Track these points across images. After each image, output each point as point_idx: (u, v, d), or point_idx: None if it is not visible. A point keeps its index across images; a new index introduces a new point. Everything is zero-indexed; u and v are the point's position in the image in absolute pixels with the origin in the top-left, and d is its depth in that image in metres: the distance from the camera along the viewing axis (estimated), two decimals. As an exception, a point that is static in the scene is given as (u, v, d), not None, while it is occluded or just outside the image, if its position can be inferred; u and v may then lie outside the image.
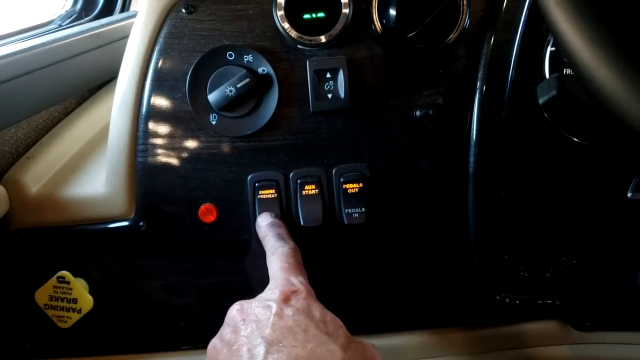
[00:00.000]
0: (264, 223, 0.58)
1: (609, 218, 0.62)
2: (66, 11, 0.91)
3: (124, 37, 0.79)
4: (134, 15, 0.86)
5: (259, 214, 0.60)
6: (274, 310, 0.45)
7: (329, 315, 0.47)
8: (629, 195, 0.61)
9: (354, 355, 0.44)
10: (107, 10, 0.94)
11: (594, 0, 0.26)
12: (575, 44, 0.26)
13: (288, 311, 0.45)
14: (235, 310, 0.48)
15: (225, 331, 0.48)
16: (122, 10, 0.96)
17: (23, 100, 0.64)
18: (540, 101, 0.49)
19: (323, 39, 0.57)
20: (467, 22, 0.57)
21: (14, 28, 0.81)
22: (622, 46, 0.24)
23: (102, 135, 0.77)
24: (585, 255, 0.62)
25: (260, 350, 0.42)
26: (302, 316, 0.45)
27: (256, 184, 0.60)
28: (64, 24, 0.86)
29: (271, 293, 0.47)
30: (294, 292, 0.47)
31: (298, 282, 0.49)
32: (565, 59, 0.29)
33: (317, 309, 0.46)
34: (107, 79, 0.84)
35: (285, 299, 0.46)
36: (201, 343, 0.65)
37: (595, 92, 0.26)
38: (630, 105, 0.24)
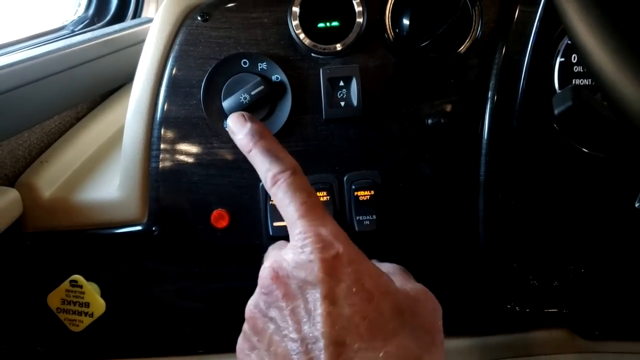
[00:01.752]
0: (241, 133, 0.48)
1: (617, 227, 0.63)
2: (78, 17, 0.91)
3: (136, 43, 0.80)
4: (146, 22, 0.87)
5: (272, 219, 0.60)
6: (322, 292, 0.37)
7: (382, 283, 0.40)
8: (636, 205, 0.61)
9: (414, 332, 0.39)
10: (119, 16, 0.95)
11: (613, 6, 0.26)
12: (595, 53, 0.26)
13: (340, 292, 0.37)
14: (270, 278, 0.41)
15: (263, 303, 0.41)
16: (134, 16, 0.97)
17: (36, 106, 0.65)
18: (556, 112, 0.49)
19: (337, 47, 0.58)
20: (479, 32, 0.58)
21: (26, 33, 0.82)
22: None
23: (114, 139, 0.78)
24: (594, 264, 0.63)
25: (322, 354, 0.35)
26: (357, 298, 0.37)
27: (268, 190, 0.60)
28: (76, 29, 0.87)
29: (308, 261, 0.39)
30: (334, 257, 0.39)
31: (332, 236, 0.40)
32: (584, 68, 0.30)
33: (369, 280, 0.39)
34: (119, 85, 0.85)
35: (330, 271, 0.38)
36: (213, 348, 0.65)
37: (615, 101, 0.26)
38: None
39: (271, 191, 0.45)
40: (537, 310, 0.64)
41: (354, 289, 0.38)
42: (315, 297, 0.38)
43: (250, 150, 0.47)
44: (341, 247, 0.40)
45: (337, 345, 0.35)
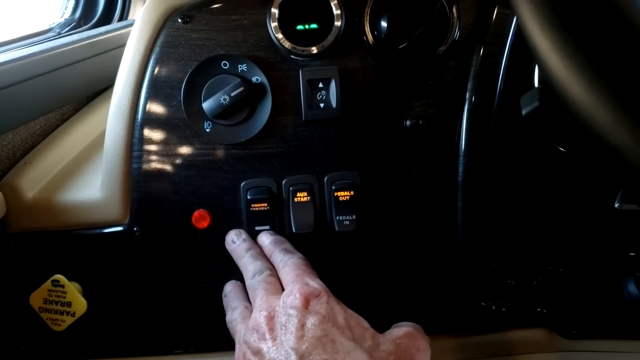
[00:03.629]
0: (268, 241, 0.59)
1: (596, 227, 0.63)
2: (65, 19, 0.92)
3: (122, 45, 0.80)
4: (132, 24, 0.88)
5: (252, 223, 0.61)
6: (298, 318, 0.46)
7: (353, 318, 0.48)
8: (616, 205, 0.62)
9: (383, 355, 0.46)
10: (105, 19, 0.96)
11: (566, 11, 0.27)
12: (548, 55, 0.27)
13: (313, 319, 0.46)
14: (262, 317, 0.49)
15: (252, 338, 0.49)
16: (121, 18, 0.98)
17: (21, 107, 0.65)
18: (523, 112, 0.50)
19: (315, 49, 0.58)
20: (457, 34, 0.59)
21: (14, 35, 0.82)
22: (593, 59, 0.25)
23: (98, 141, 0.78)
24: (572, 264, 0.63)
25: None
26: (329, 324, 0.46)
27: (249, 191, 0.61)
28: (62, 32, 0.87)
29: (293, 298, 0.48)
30: (314, 295, 0.48)
31: (316, 283, 0.50)
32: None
33: (340, 313, 0.48)
34: (104, 86, 0.86)
35: (306, 303, 0.47)
36: (193, 347, 0.66)
37: (566, 102, 0.27)
38: (609, 126, 0.25)
39: (281, 272, 0.55)
40: (516, 310, 0.65)
41: (326, 318, 0.47)
42: (293, 322, 0.46)
43: (273, 252, 0.58)
44: (323, 290, 0.49)
45: (302, 357, 0.44)
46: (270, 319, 0.49)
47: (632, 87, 0.23)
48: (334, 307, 0.48)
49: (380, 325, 0.65)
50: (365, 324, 0.49)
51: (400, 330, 0.52)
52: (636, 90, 0.24)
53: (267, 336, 0.48)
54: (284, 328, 0.47)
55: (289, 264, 0.54)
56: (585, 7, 0.26)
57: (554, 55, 0.26)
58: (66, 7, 0.93)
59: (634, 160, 0.23)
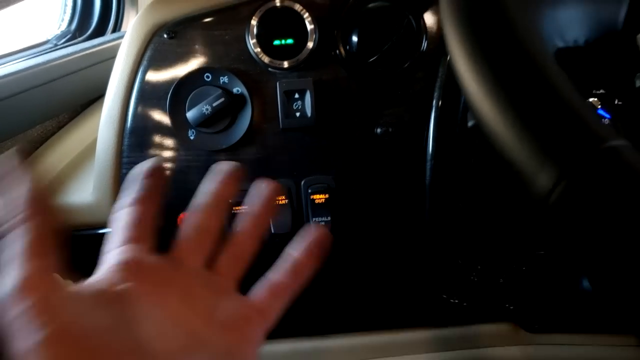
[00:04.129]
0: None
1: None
2: (61, 31, 0.96)
3: (114, 56, 0.84)
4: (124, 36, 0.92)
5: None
6: None
7: None
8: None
9: None
10: (100, 31, 1.00)
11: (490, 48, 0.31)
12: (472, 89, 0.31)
13: None
14: None
15: None
16: (114, 30, 1.02)
17: (20, 116, 0.70)
18: (469, 124, 0.54)
19: (291, 63, 0.62)
20: (424, 47, 0.63)
21: (15, 46, 0.87)
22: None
23: (91, 147, 0.83)
24: (535, 262, 0.68)
25: None
26: None
27: (231, 194, 0.65)
28: (59, 43, 0.92)
29: None
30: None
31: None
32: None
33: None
34: (98, 95, 0.90)
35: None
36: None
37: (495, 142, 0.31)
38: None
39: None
40: (482, 305, 0.69)
41: None
42: None
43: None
44: None
45: None
46: None
47: (531, 110, 0.27)
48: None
49: (354, 319, 0.70)
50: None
51: None
52: (534, 113, 0.28)
53: None
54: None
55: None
56: (497, 43, 0.30)
57: (471, 79, 0.30)
58: (62, 20, 0.98)
59: (529, 177, 0.27)
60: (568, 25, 0.33)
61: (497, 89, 0.28)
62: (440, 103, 0.64)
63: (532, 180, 0.26)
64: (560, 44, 0.33)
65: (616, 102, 0.44)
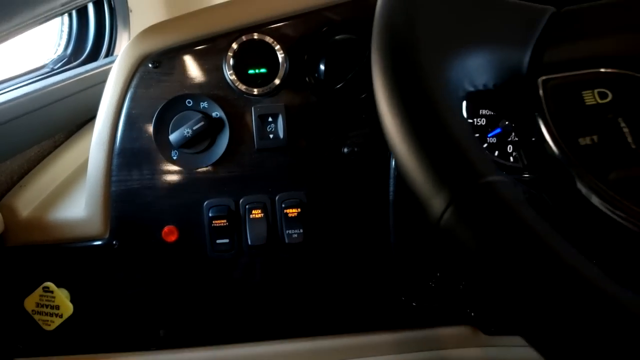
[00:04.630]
0: None
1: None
2: (58, 55, 1.03)
3: (106, 80, 0.91)
4: (116, 61, 0.99)
5: (214, 237, 0.71)
6: None
7: None
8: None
9: None
10: (93, 55, 1.07)
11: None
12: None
13: None
14: None
15: None
16: (107, 54, 1.09)
17: (18, 138, 0.76)
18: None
19: (264, 90, 0.69)
20: (385, 75, 0.69)
21: (14, 71, 0.93)
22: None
23: (84, 166, 0.88)
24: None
25: None
26: None
27: (211, 209, 0.71)
28: (55, 67, 0.98)
29: None
30: None
31: None
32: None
33: None
34: (91, 116, 0.96)
35: None
36: (167, 344, 0.76)
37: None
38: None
39: None
40: (440, 309, 0.75)
41: None
42: None
43: None
44: None
45: None
46: None
47: (429, 147, 0.33)
48: None
49: (325, 323, 0.76)
50: None
51: None
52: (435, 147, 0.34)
53: None
54: None
55: None
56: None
57: (387, 119, 0.36)
58: (59, 45, 1.04)
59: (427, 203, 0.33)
60: (477, 71, 0.39)
61: (404, 129, 0.34)
62: (401, 125, 0.70)
63: (429, 205, 0.32)
64: (471, 88, 0.39)
65: (520, 137, 0.51)
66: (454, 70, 0.37)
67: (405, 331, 0.77)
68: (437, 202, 0.31)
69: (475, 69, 0.39)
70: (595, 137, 0.37)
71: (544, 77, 0.39)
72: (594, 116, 0.37)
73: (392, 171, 0.71)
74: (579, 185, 0.37)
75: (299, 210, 0.71)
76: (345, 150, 0.71)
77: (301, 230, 0.71)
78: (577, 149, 0.37)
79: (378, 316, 0.76)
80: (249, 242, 0.71)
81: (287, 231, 0.71)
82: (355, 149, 0.71)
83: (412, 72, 0.35)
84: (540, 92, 0.39)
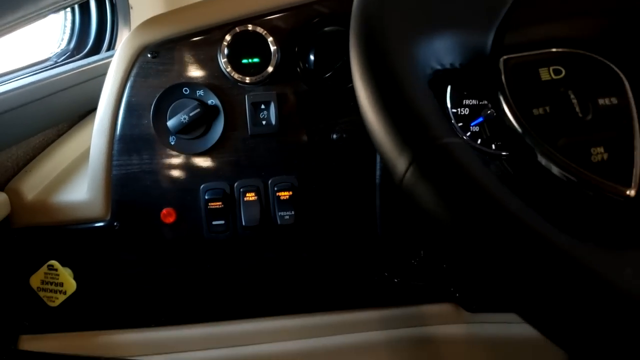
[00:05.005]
0: None
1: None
2: (61, 49, 1.07)
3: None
4: (117, 54, 1.02)
5: (210, 218, 0.75)
6: None
7: None
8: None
9: None
10: (95, 49, 1.10)
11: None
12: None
13: None
14: None
15: None
16: (109, 48, 1.13)
17: (23, 126, 0.80)
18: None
19: (257, 78, 0.73)
20: (372, 64, 0.73)
21: (19, 64, 0.97)
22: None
23: (86, 153, 0.92)
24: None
25: None
26: None
27: (207, 192, 0.75)
28: (59, 60, 1.02)
29: None
30: None
31: None
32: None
33: None
34: (93, 107, 0.99)
35: None
36: (166, 321, 0.80)
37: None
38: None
39: None
40: (423, 287, 0.79)
41: None
42: None
43: None
44: None
45: None
46: None
47: (393, 112, 0.37)
48: None
49: (315, 300, 0.79)
50: None
51: None
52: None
53: None
54: None
55: None
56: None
57: (360, 91, 0.40)
58: (62, 39, 1.08)
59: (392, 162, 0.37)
60: (444, 52, 0.43)
61: (373, 99, 0.38)
62: (387, 112, 0.74)
63: (393, 166, 0.36)
64: (438, 67, 0.43)
65: (488, 112, 0.55)
66: (422, 51, 0.41)
67: (390, 308, 0.81)
68: (400, 163, 0.35)
69: (442, 50, 0.42)
70: (547, 108, 0.41)
71: (505, 57, 0.43)
72: (548, 90, 0.41)
73: (378, 155, 0.75)
74: (538, 157, 0.40)
75: (291, 193, 0.75)
76: (334, 136, 0.75)
77: (292, 212, 0.75)
78: (532, 119, 0.41)
79: (364, 294, 0.80)
80: (243, 223, 0.75)
81: (279, 213, 0.75)
82: (344, 135, 0.75)
83: (380, 53, 0.39)
84: (502, 70, 0.43)
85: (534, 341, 0.80)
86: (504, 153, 0.63)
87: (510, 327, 0.80)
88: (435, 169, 0.33)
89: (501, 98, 0.42)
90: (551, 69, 0.42)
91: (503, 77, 0.43)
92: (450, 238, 0.33)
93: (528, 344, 0.80)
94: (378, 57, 0.39)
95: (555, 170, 0.40)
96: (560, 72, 0.42)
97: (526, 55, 0.43)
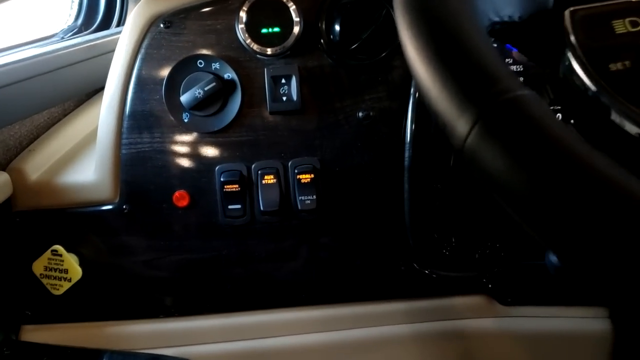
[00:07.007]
0: None
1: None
2: (68, 26, 1.02)
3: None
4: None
5: (226, 202, 0.70)
6: None
7: None
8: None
9: None
10: (104, 25, 1.06)
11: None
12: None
13: None
14: None
15: None
16: (118, 24, 1.08)
17: (26, 101, 0.75)
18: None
19: (278, 50, 0.67)
20: (402, 36, 0.68)
21: (24, 39, 0.92)
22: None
23: (94, 132, 0.87)
24: (508, 239, 0.72)
25: None
26: None
27: (222, 174, 0.70)
28: (66, 37, 0.97)
29: None
30: None
31: None
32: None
33: None
34: (102, 85, 0.95)
35: None
36: (176, 312, 0.75)
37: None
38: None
39: None
40: (458, 278, 0.73)
41: None
42: None
43: None
44: None
45: None
46: None
47: (452, 66, 0.32)
48: None
49: (338, 291, 0.74)
50: None
51: None
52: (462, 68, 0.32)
53: None
54: None
55: None
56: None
57: (409, 45, 0.35)
58: (70, 15, 1.03)
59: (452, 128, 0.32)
60: (504, 3, 0.38)
61: (426, 51, 0.32)
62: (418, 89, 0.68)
63: (453, 127, 0.31)
64: (496, 18, 0.37)
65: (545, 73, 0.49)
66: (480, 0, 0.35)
67: (418, 300, 0.75)
68: (461, 124, 0.30)
69: (502, 0, 0.37)
70: (627, 62, 0.35)
71: (571, 9, 0.37)
72: (626, 43, 0.36)
73: (408, 136, 0.69)
74: (613, 115, 0.35)
75: (312, 176, 0.70)
76: (360, 114, 0.70)
77: (314, 197, 0.70)
78: (609, 75, 0.35)
79: (390, 284, 0.74)
80: (261, 208, 0.70)
81: (299, 197, 0.70)
82: (371, 113, 0.70)
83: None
84: (568, 23, 0.37)
85: (573, 337, 0.74)
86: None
87: (548, 321, 0.75)
88: (507, 126, 0.28)
89: (569, 54, 0.37)
90: (627, 20, 0.36)
91: (570, 31, 0.37)
92: (524, 208, 0.28)
93: (567, 340, 0.75)
94: (433, 4, 0.33)
95: (632, 129, 0.34)
96: (638, 24, 0.36)
97: (596, 6, 0.37)
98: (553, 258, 0.66)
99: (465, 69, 0.30)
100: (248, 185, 0.70)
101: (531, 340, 0.75)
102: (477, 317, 0.75)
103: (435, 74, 0.31)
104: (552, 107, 0.58)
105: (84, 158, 0.79)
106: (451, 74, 0.31)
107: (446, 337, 0.76)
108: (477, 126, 0.29)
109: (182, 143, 0.69)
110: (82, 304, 0.75)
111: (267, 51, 0.67)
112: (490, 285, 0.74)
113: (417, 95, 0.69)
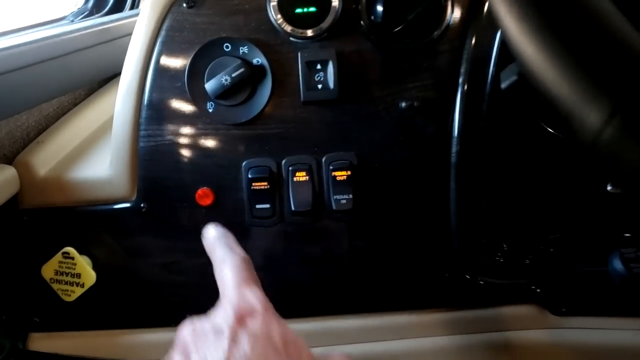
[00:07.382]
0: (211, 235, 0.55)
1: (587, 209, 0.65)
2: (78, 8, 0.95)
3: (132, 33, 0.83)
4: (141, 13, 0.91)
5: (253, 201, 0.63)
6: (227, 336, 0.40)
7: (289, 335, 0.42)
8: (608, 188, 0.64)
9: None
10: (117, 8, 0.99)
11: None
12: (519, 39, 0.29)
13: (244, 337, 0.40)
14: (186, 332, 0.44)
15: (175, 354, 0.44)
16: (132, 7, 1.01)
17: (34, 88, 0.69)
18: (502, 86, 0.52)
19: (313, 32, 0.61)
20: (450, 19, 0.61)
21: (32, 22, 0.86)
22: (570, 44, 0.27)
23: (108, 124, 0.82)
24: (564, 243, 0.65)
25: None
26: (260, 343, 0.40)
27: (250, 170, 0.63)
28: (75, 20, 0.91)
29: (224, 314, 0.43)
30: (251, 311, 0.43)
31: (254, 297, 0.44)
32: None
33: (276, 331, 0.42)
34: (115, 73, 0.89)
35: (241, 321, 0.42)
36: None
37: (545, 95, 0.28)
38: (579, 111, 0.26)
39: (217, 270, 0.50)
40: (508, 286, 0.67)
41: (260, 337, 0.40)
42: (223, 342, 0.40)
43: (214, 246, 0.53)
44: (260, 306, 0.43)
45: None
46: (196, 334, 0.43)
47: (578, 42, 0.25)
48: (270, 324, 0.42)
49: (377, 299, 0.68)
50: (303, 342, 0.43)
51: (336, 356, 0.47)
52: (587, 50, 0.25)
53: (191, 351, 0.42)
54: (209, 345, 0.41)
55: (227, 263, 0.49)
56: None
57: (514, 18, 0.28)
58: (80, -4, 0.97)
59: (579, 117, 0.25)
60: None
61: (542, 24, 0.26)
62: (467, 77, 0.62)
63: (581, 118, 0.24)
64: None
65: None
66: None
67: (463, 310, 0.69)
68: (592, 114, 0.23)
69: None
70: None
71: None
72: None
73: (455, 129, 0.63)
74: None
75: (349, 173, 0.63)
76: (403, 104, 0.63)
77: (350, 196, 0.63)
78: None
79: (432, 293, 0.68)
80: (292, 208, 0.63)
81: (334, 196, 0.63)
82: (415, 104, 0.63)
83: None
84: None
85: (632, 351, 0.68)
86: None
87: (605, 333, 0.68)
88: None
89: None
90: None
91: None
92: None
93: (625, 354, 0.68)
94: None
95: None
96: None
97: None
98: (619, 266, 0.60)
99: (594, 42, 0.24)
100: (278, 182, 0.64)
101: (587, 354, 0.69)
102: (527, 329, 0.69)
103: (552, 47, 0.25)
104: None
105: (96, 151, 0.72)
106: (575, 48, 0.24)
107: (493, 350, 0.69)
108: (617, 118, 0.22)
109: (205, 135, 0.63)
110: (94, 311, 0.69)
111: (301, 33, 0.61)
112: (541, 294, 0.67)
113: (466, 84, 0.62)
